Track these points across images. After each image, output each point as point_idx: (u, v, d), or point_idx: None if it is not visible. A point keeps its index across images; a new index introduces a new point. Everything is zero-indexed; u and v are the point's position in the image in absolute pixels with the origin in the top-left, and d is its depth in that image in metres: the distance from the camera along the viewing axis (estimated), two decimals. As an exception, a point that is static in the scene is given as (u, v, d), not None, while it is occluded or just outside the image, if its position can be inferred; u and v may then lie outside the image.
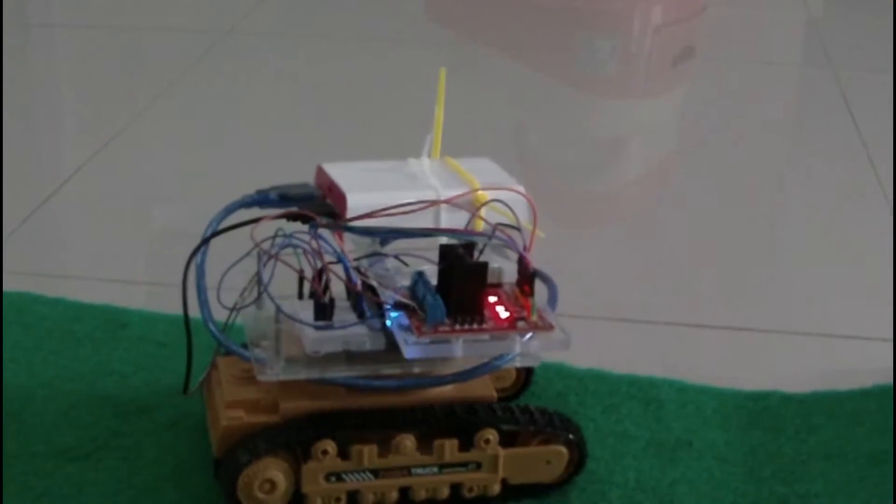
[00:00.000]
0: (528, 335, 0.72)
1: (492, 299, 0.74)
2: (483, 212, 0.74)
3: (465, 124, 1.54)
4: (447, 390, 0.76)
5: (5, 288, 1.03)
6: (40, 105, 1.59)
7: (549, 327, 0.73)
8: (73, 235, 1.20)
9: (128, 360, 0.93)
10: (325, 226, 0.72)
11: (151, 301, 1.02)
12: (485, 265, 0.72)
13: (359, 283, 0.72)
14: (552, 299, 0.76)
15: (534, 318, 0.73)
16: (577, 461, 0.78)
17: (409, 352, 0.70)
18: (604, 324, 1.03)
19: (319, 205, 0.75)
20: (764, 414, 0.89)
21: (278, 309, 0.72)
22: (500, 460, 0.75)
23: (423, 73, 1.76)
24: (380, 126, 1.51)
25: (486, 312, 0.72)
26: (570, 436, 0.77)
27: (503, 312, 0.73)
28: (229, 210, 0.74)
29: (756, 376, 0.94)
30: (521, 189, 0.76)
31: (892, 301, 1.08)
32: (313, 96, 1.61)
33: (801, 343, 1.02)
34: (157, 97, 1.57)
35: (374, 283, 0.73)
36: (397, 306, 0.72)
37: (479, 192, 0.75)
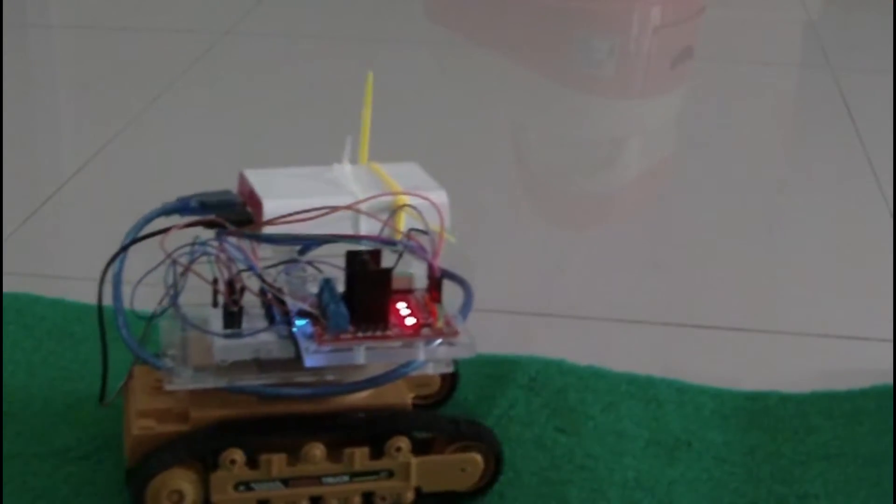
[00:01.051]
0: (436, 342, 0.71)
1: (401, 306, 0.73)
2: (399, 218, 0.74)
3: (461, 124, 1.54)
4: (359, 398, 0.75)
5: (5, 288, 1.03)
6: (39, 106, 1.59)
7: (454, 333, 0.72)
8: (73, 236, 1.20)
9: (127, 360, 0.93)
10: (232, 233, 0.71)
11: (151, 302, 1.02)
12: (388, 272, 0.71)
13: (267, 291, 0.71)
14: (466, 304, 0.75)
15: (440, 324, 0.72)
16: (494, 469, 0.77)
17: (308, 360, 0.69)
18: (602, 324, 1.04)
19: (239, 212, 0.73)
20: (762, 414, 0.89)
21: (184, 318, 0.71)
22: (413, 468, 0.75)
23: (422, 73, 1.77)
24: (377, 126, 1.51)
25: (393, 319, 0.72)
26: (485, 444, 0.77)
27: (410, 319, 0.72)
28: (149, 218, 0.73)
29: (755, 376, 0.95)
30: (441, 194, 0.75)
31: (889, 301, 1.08)
32: (312, 97, 1.61)
33: (799, 343, 1.02)
34: (157, 98, 1.57)
35: (279, 290, 0.72)
36: (301, 314, 0.71)
37: (398, 197, 0.74)
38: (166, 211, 0.73)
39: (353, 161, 0.78)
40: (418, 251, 0.73)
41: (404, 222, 0.74)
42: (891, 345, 1.00)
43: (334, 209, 0.72)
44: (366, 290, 0.70)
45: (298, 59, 1.79)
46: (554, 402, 0.89)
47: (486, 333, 1.00)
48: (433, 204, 0.74)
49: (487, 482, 0.77)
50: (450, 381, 0.86)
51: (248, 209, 0.73)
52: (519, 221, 1.27)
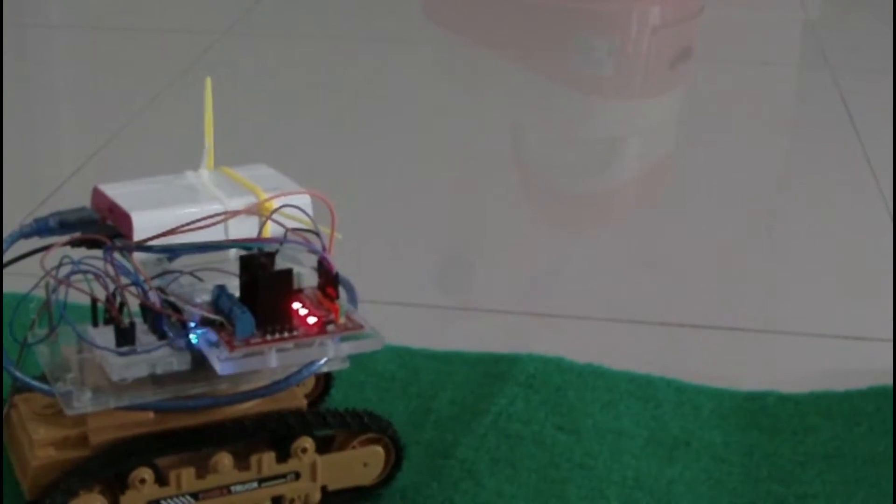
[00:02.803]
0: (339, 338, 0.71)
1: (296, 306, 0.72)
2: (274, 218, 0.73)
3: (460, 123, 1.54)
4: (258, 404, 0.74)
5: (5, 289, 1.03)
6: (39, 106, 1.59)
7: (360, 327, 0.71)
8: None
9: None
10: (121, 248, 0.69)
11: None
12: (290, 272, 0.70)
13: (158, 302, 0.69)
14: (352, 299, 0.75)
15: (342, 319, 0.72)
16: (395, 460, 0.78)
17: (222, 368, 0.68)
18: (601, 324, 1.04)
19: (102, 227, 0.72)
20: (761, 414, 0.89)
21: (80, 338, 0.70)
22: (319, 467, 0.75)
23: (420, 73, 1.77)
24: (378, 124, 1.51)
25: (294, 320, 0.71)
26: (385, 435, 0.77)
27: (311, 318, 0.72)
28: (9, 243, 0.71)
29: (753, 376, 0.95)
30: (306, 191, 0.74)
31: (886, 301, 1.08)
32: (310, 97, 1.61)
33: (798, 343, 1.02)
34: (155, 98, 1.57)
35: (175, 300, 0.70)
36: (203, 322, 0.70)
37: (268, 200, 0.73)
38: (24, 234, 0.71)
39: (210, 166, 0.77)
40: (312, 248, 0.72)
41: (281, 223, 0.72)
42: (889, 345, 1.00)
43: (235, 213, 0.71)
44: (268, 293, 0.70)
45: (296, 59, 1.79)
46: (553, 399, 0.89)
47: (485, 332, 1.01)
48: (322, 200, 0.73)
49: (388, 475, 0.78)
50: (324, 381, 0.86)
51: (110, 224, 0.72)
52: (518, 221, 1.27)
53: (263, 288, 0.70)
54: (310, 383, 0.85)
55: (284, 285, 0.70)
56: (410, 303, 1.06)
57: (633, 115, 1.69)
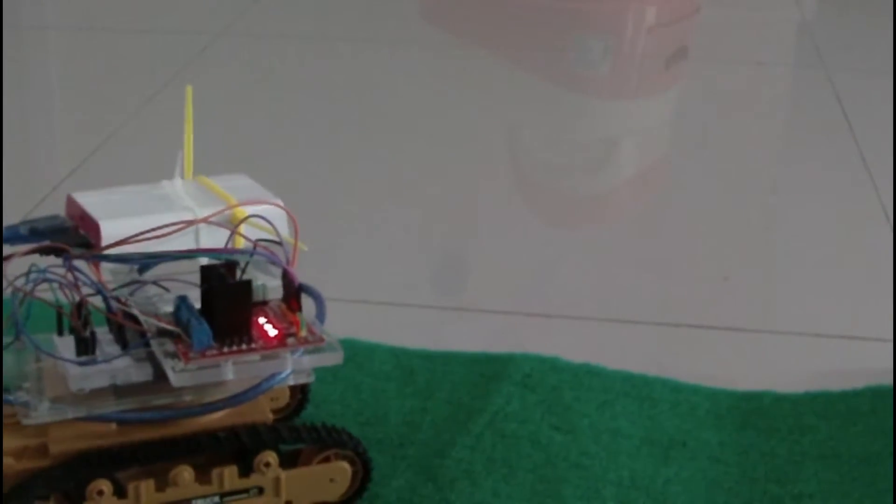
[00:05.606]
0: (302, 350, 0.71)
1: (259, 318, 0.72)
2: (242, 229, 0.72)
3: (456, 124, 1.54)
4: (221, 417, 0.73)
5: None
6: (33, 107, 1.59)
7: (320, 340, 0.71)
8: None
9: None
10: (80, 256, 0.69)
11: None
12: (248, 283, 0.70)
13: (118, 312, 0.69)
14: (320, 313, 0.74)
15: (303, 333, 0.71)
16: (362, 476, 0.77)
17: (176, 379, 0.68)
18: (596, 324, 1.04)
19: (73, 236, 0.71)
20: (757, 414, 0.89)
21: (37, 348, 0.70)
22: (283, 483, 0.73)
23: (416, 74, 1.77)
24: (377, 125, 1.51)
25: (255, 332, 0.70)
26: (352, 451, 0.76)
27: (272, 330, 0.71)
28: None
29: (749, 376, 0.95)
30: (280, 203, 0.74)
31: (884, 300, 1.08)
32: (309, 98, 1.61)
33: (794, 343, 1.02)
34: (152, 98, 1.57)
35: (135, 311, 0.70)
36: (161, 333, 0.69)
37: (237, 209, 0.72)
38: None
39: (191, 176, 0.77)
40: (275, 260, 0.71)
41: (248, 233, 0.72)
42: (884, 344, 1.01)
43: (190, 223, 0.70)
44: (227, 304, 0.69)
45: (294, 60, 1.79)
46: (549, 399, 0.89)
47: (480, 333, 1.01)
48: (285, 212, 0.73)
49: (356, 491, 0.77)
50: (300, 393, 0.85)
51: (82, 232, 0.71)
52: (513, 221, 1.27)
53: (221, 299, 0.69)
54: (283, 396, 0.84)
55: (242, 297, 0.69)
56: (406, 303, 1.06)
57: (629, 115, 1.69)
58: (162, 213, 0.71)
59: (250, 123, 1.50)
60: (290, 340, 0.70)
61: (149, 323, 0.69)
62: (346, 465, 0.76)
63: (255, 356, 0.70)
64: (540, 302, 1.07)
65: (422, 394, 0.90)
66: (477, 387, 0.90)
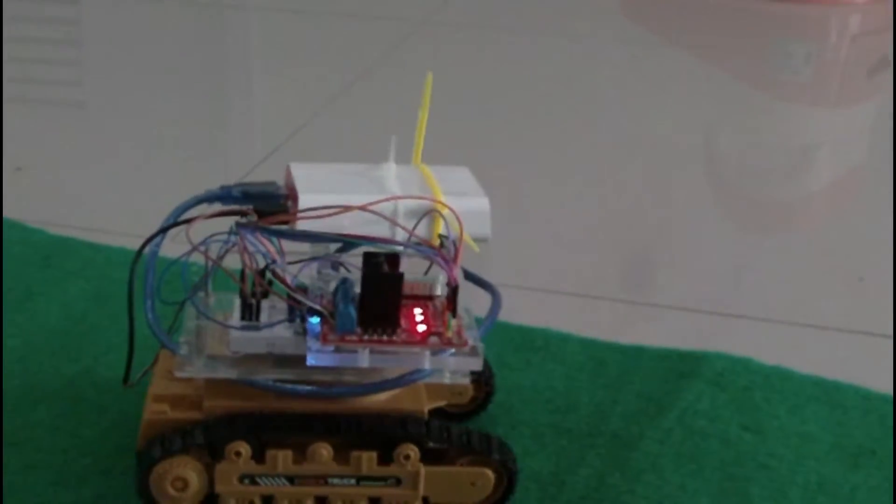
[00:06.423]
0: (448, 351, 0.70)
1: (417, 312, 0.71)
2: (429, 221, 0.71)
3: (650, 123, 1.54)
4: (373, 401, 0.73)
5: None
6: (236, 88, 1.64)
7: (462, 344, 0.70)
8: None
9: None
10: (247, 226, 0.69)
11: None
12: (399, 276, 0.69)
13: (287, 285, 0.69)
14: (493, 311, 0.74)
15: (449, 333, 0.70)
16: (506, 487, 0.75)
17: (310, 359, 0.69)
18: (790, 328, 1.03)
19: (277, 204, 0.72)
20: (951, 427, 0.88)
21: (198, 308, 0.72)
22: (421, 478, 0.73)
23: (614, 71, 1.77)
24: (566, 122, 1.52)
25: (405, 325, 0.70)
26: (498, 459, 0.74)
27: (421, 326, 0.70)
28: (190, 204, 0.72)
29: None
30: (483, 201, 0.72)
31: None
32: (505, 90, 1.62)
33: None
34: (352, 84, 1.60)
35: (295, 287, 0.70)
36: (311, 312, 0.70)
37: (438, 202, 0.71)
38: (208, 198, 0.72)
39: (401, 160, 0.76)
40: (434, 258, 0.70)
41: (441, 227, 0.71)
42: None
43: (363, 207, 0.70)
44: (375, 293, 0.69)
45: (491, 51, 1.81)
46: (739, 399, 0.89)
47: (670, 329, 1.01)
48: (451, 211, 0.71)
49: (499, 499, 0.75)
50: (484, 392, 0.85)
51: (289, 202, 0.72)
52: (708, 220, 1.27)
53: (370, 287, 0.69)
54: (466, 393, 0.84)
55: (392, 288, 0.69)
56: (597, 296, 1.07)
57: (829, 122, 1.67)
58: (363, 193, 0.71)
59: (445, 112, 1.52)
60: (433, 339, 0.70)
61: (305, 300, 0.70)
62: (489, 472, 0.74)
63: (393, 348, 0.69)
64: (731, 302, 1.07)
65: (612, 385, 0.91)
66: (668, 382, 0.91)
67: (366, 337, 0.69)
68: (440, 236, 0.71)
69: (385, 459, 0.73)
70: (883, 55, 1.92)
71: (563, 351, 0.95)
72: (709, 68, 1.82)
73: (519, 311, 0.98)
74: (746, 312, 1.05)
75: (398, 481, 0.73)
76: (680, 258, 1.17)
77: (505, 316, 0.95)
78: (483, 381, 0.84)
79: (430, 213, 0.71)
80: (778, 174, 1.45)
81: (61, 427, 0.83)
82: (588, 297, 1.07)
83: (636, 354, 0.95)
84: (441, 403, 0.81)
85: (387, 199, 0.70)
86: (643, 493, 0.79)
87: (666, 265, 1.17)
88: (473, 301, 0.75)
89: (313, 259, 0.72)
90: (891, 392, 0.92)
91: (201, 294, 0.73)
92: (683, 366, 0.93)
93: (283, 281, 0.70)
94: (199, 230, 0.69)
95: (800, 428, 0.87)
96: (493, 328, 0.74)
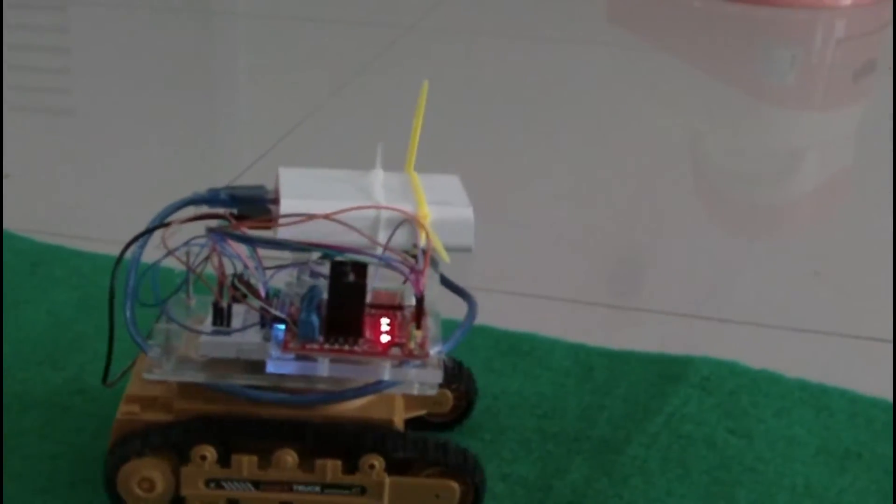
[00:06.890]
0: (411, 363, 0.69)
1: (384, 322, 0.71)
2: (422, 233, 0.70)
3: (641, 128, 1.55)
4: (343, 409, 0.73)
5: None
6: (225, 92, 1.64)
7: (423, 356, 0.69)
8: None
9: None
10: (217, 230, 0.69)
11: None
12: (362, 285, 0.69)
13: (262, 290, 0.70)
14: (467, 320, 0.73)
15: (411, 345, 0.70)
16: (473, 500, 0.74)
17: (269, 366, 0.69)
18: (776, 332, 1.04)
19: (263, 208, 0.72)
20: (936, 429, 0.89)
21: (167, 313, 0.72)
22: (386, 488, 0.73)
23: (601, 76, 1.77)
24: (554, 127, 1.53)
25: (369, 335, 0.70)
26: (464, 472, 0.74)
27: (385, 337, 0.70)
28: (177, 206, 0.72)
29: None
30: (466, 211, 0.71)
31: None
32: (493, 95, 1.62)
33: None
34: (341, 88, 1.60)
35: (258, 294, 0.70)
36: (275, 320, 0.70)
37: (420, 211, 0.70)
38: (196, 200, 0.72)
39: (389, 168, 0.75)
40: (398, 268, 0.69)
41: (404, 238, 0.70)
42: None
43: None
44: (338, 302, 0.69)
45: (479, 56, 1.81)
46: (726, 403, 0.89)
47: (657, 333, 1.02)
48: (417, 221, 0.70)
49: None
50: (465, 401, 0.84)
51: (274, 207, 0.71)
52: (694, 225, 1.28)
53: (334, 296, 0.69)
54: (447, 400, 0.83)
55: (354, 298, 0.69)
56: (585, 301, 1.07)
57: (814, 126, 1.68)
58: (347, 200, 0.70)
59: (433, 117, 1.52)
60: (394, 350, 0.70)
61: (265, 308, 0.70)
62: (454, 485, 0.74)
63: (354, 358, 0.69)
64: (717, 306, 1.07)
65: (600, 390, 0.91)
66: (654, 386, 0.91)
67: (327, 346, 0.69)
68: (414, 246, 0.70)
69: (350, 468, 0.73)
70: (869, 59, 1.93)
71: (550, 356, 0.95)
72: (695, 73, 1.82)
73: (506, 316, 0.99)
74: (733, 317, 1.05)
75: (363, 490, 0.73)
76: (666, 263, 1.17)
77: (492, 321, 0.96)
78: (463, 389, 0.84)
79: (406, 223, 0.70)
80: (764, 178, 1.46)
81: (49, 435, 0.83)
82: (575, 302, 1.07)
83: (623, 359, 0.95)
84: (421, 412, 0.81)
85: (359, 208, 0.69)
86: (630, 497, 0.79)
87: (652, 270, 1.17)
88: (460, 308, 0.74)
89: (291, 265, 0.72)
90: (877, 395, 0.92)
91: (182, 296, 0.74)
92: (670, 370, 0.93)
93: (249, 287, 0.70)
94: (186, 233, 0.70)
95: (786, 431, 0.87)
96: (470, 334, 0.73)
